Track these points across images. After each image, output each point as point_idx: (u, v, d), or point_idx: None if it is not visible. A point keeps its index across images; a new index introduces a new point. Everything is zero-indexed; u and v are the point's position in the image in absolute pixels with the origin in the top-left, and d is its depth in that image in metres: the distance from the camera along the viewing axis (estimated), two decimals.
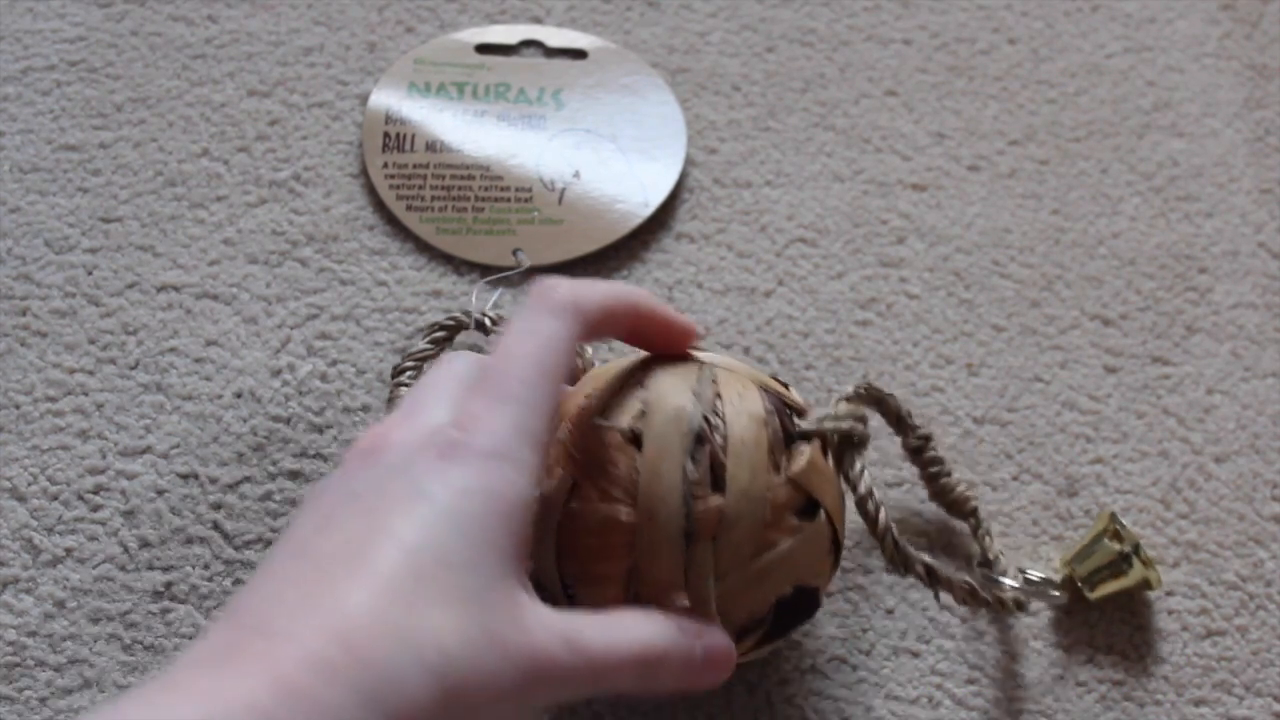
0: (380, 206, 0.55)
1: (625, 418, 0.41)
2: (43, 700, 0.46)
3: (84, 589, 0.47)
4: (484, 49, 0.59)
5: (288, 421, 0.51)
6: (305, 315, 0.53)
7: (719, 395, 0.41)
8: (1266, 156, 0.59)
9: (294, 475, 0.50)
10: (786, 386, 0.45)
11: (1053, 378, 0.53)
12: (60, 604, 0.47)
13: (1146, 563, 0.47)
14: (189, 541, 0.48)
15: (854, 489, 0.43)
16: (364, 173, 0.56)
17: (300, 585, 0.33)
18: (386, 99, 0.57)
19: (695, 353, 0.44)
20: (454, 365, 0.39)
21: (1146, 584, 0.48)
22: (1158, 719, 0.47)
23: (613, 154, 0.56)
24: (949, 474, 0.49)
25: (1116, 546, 0.47)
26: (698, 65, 0.60)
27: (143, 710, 0.30)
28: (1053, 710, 0.47)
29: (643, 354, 0.44)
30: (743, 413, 0.41)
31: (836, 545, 0.43)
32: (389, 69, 0.58)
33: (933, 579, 0.43)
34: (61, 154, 0.56)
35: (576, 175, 0.56)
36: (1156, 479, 0.51)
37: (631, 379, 0.42)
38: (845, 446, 0.43)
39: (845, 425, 0.43)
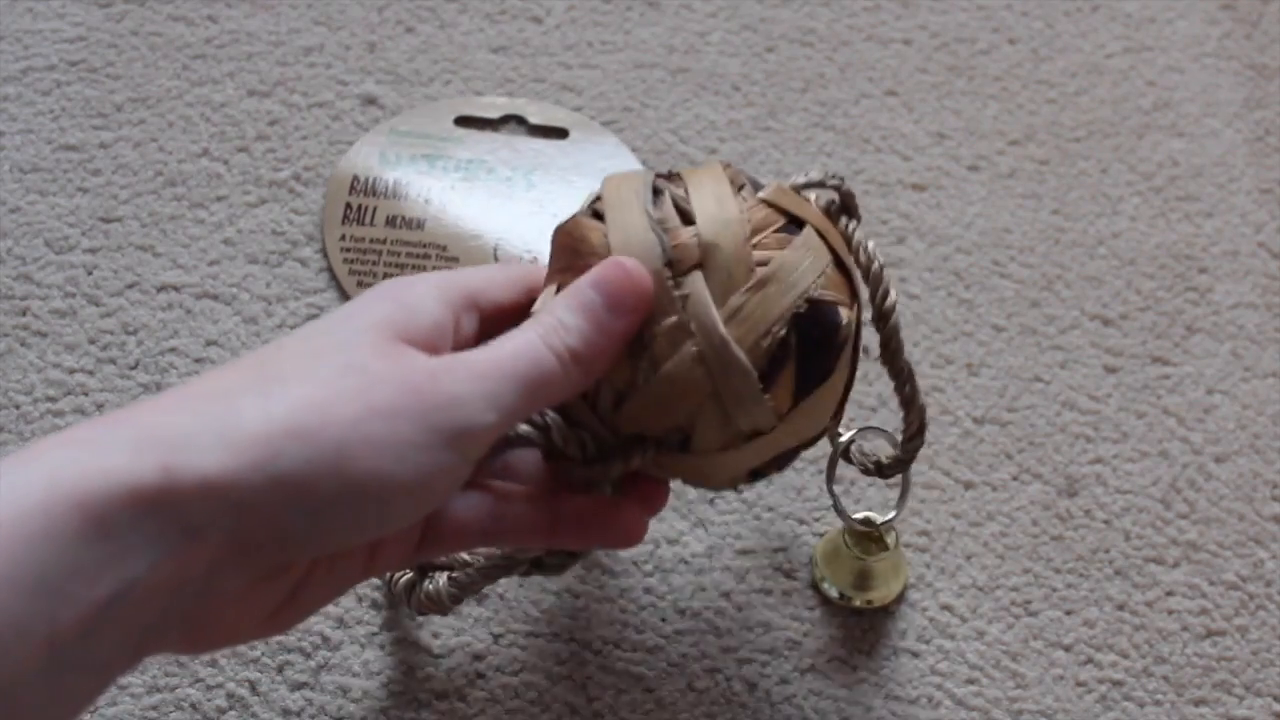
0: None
1: (585, 205, 0.42)
2: None
3: None
4: (464, 121, 0.58)
5: None
6: (305, 315, 0.53)
7: (674, 172, 0.42)
8: (1266, 156, 0.59)
9: None
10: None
11: (1053, 378, 0.53)
12: None
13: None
14: None
15: (862, 268, 0.43)
16: (322, 242, 0.55)
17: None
18: (355, 167, 0.56)
19: None
20: None
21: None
22: (1158, 719, 0.47)
23: None
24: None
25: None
26: (698, 65, 0.60)
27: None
28: (1053, 710, 0.47)
29: None
30: (702, 172, 0.42)
31: (842, 267, 0.42)
32: (365, 136, 0.57)
33: (910, 390, 0.44)
34: (61, 154, 0.56)
35: (534, 261, 0.55)
36: (1156, 479, 0.51)
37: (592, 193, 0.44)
38: (839, 208, 0.44)
39: (816, 177, 0.43)
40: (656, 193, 0.41)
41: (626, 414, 0.41)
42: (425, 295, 0.38)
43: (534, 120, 0.58)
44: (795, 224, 0.41)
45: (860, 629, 0.48)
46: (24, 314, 0.52)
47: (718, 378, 0.40)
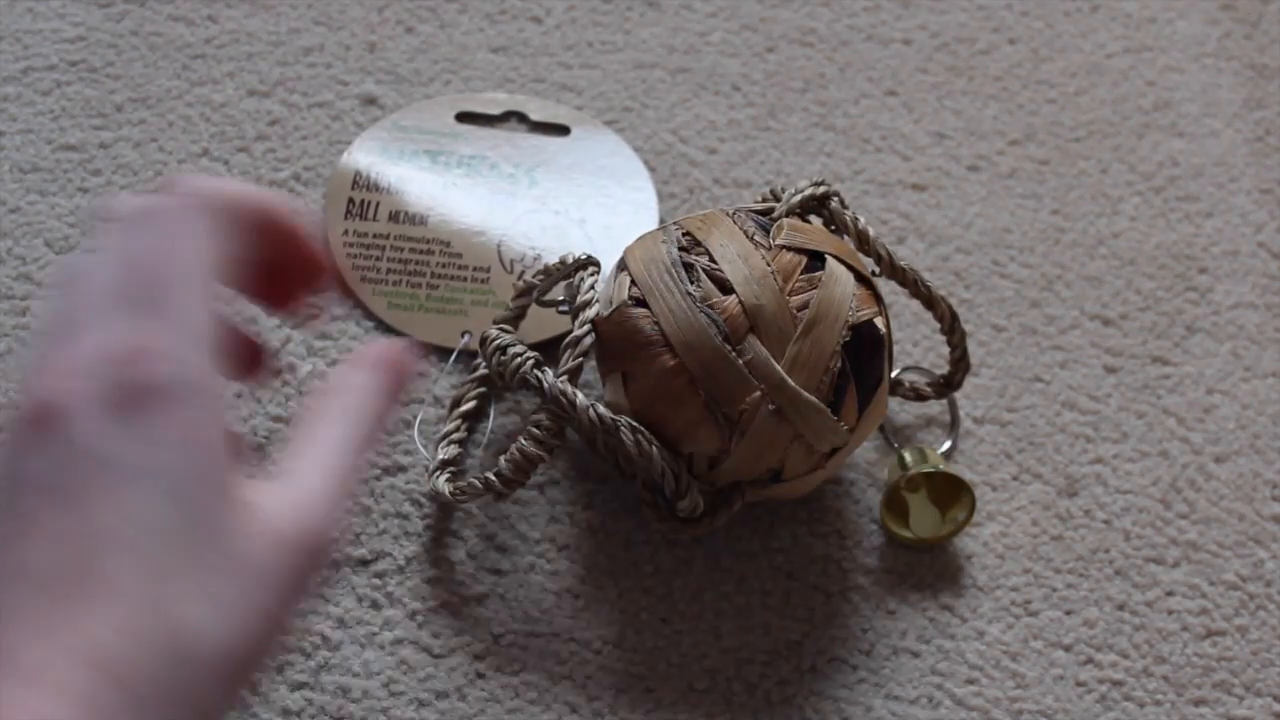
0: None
1: (623, 294, 0.45)
2: None
3: None
4: (464, 117, 0.58)
5: (288, 421, 0.51)
6: (305, 315, 0.53)
7: (685, 232, 0.46)
8: (1266, 156, 0.59)
9: None
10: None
11: (1053, 378, 0.53)
12: None
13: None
14: None
15: (852, 234, 0.48)
16: (324, 238, 0.55)
17: (37, 615, 0.30)
18: (358, 162, 0.56)
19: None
20: (91, 270, 0.34)
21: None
22: (1158, 719, 0.47)
23: (579, 239, 0.55)
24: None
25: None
26: (698, 65, 0.60)
27: None
28: (1053, 710, 0.47)
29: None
30: (711, 227, 0.45)
31: (866, 281, 0.46)
32: (366, 131, 0.57)
33: (925, 288, 0.48)
34: (61, 154, 0.56)
35: (538, 258, 0.54)
36: (1156, 479, 0.51)
37: (617, 272, 0.47)
38: (820, 206, 0.48)
39: (807, 192, 0.47)
40: (687, 267, 0.44)
41: (722, 472, 0.46)
42: (219, 409, 0.33)
43: (535, 117, 0.58)
44: (815, 257, 0.45)
45: (860, 628, 0.48)
46: (24, 314, 0.52)
47: (798, 423, 0.44)
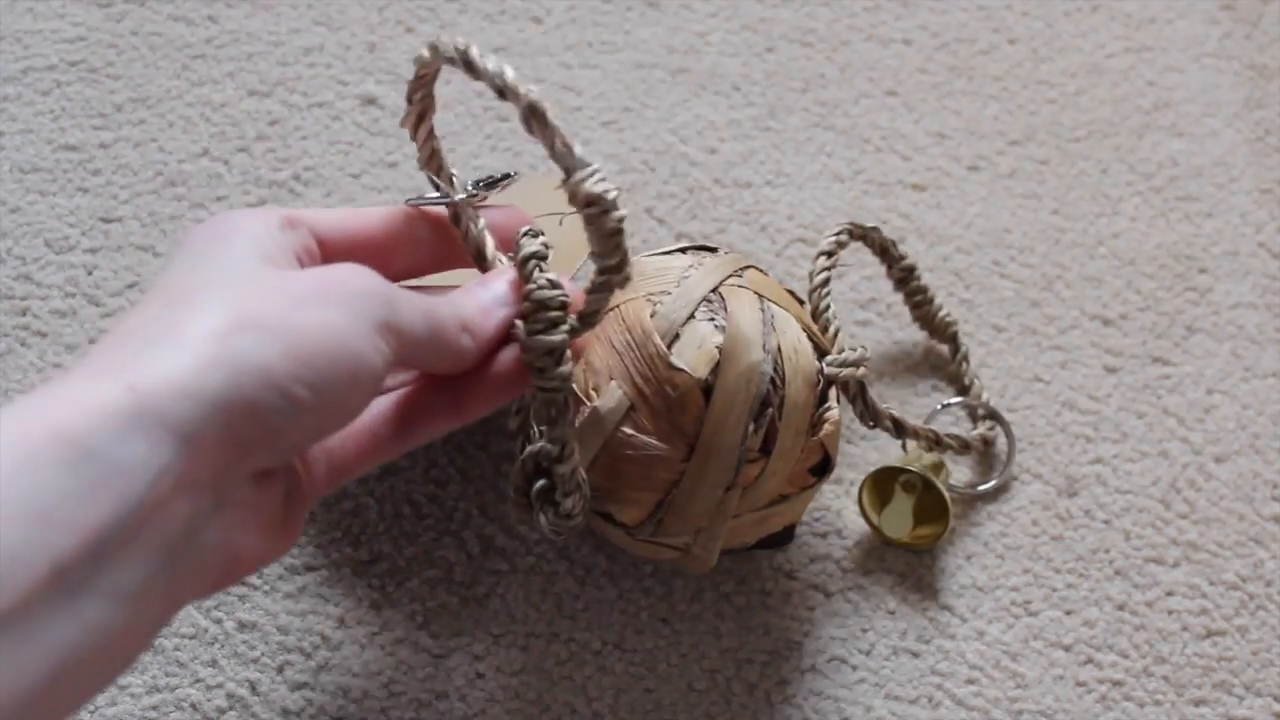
0: None
1: (701, 364, 0.42)
2: None
3: None
4: None
5: None
6: None
7: (780, 348, 0.43)
8: (1266, 156, 0.59)
9: None
10: (796, 296, 0.47)
11: (1053, 378, 0.53)
12: None
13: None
14: None
15: (866, 416, 0.47)
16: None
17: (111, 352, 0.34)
18: None
19: (739, 269, 0.45)
20: None
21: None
22: (1158, 719, 0.47)
23: None
24: (931, 301, 0.52)
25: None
26: (698, 65, 0.60)
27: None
28: (1053, 710, 0.47)
29: (698, 256, 0.46)
30: (799, 374, 0.44)
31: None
32: None
33: (900, 431, 0.48)
34: (61, 154, 0.56)
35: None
36: (1156, 479, 0.51)
37: (699, 296, 0.44)
38: (858, 386, 0.47)
39: (860, 373, 0.46)
40: (764, 404, 0.43)
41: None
42: (268, 226, 0.38)
43: None
44: (826, 461, 0.45)
45: (860, 628, 0.48)
46: (24, 314, 0.52)
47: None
